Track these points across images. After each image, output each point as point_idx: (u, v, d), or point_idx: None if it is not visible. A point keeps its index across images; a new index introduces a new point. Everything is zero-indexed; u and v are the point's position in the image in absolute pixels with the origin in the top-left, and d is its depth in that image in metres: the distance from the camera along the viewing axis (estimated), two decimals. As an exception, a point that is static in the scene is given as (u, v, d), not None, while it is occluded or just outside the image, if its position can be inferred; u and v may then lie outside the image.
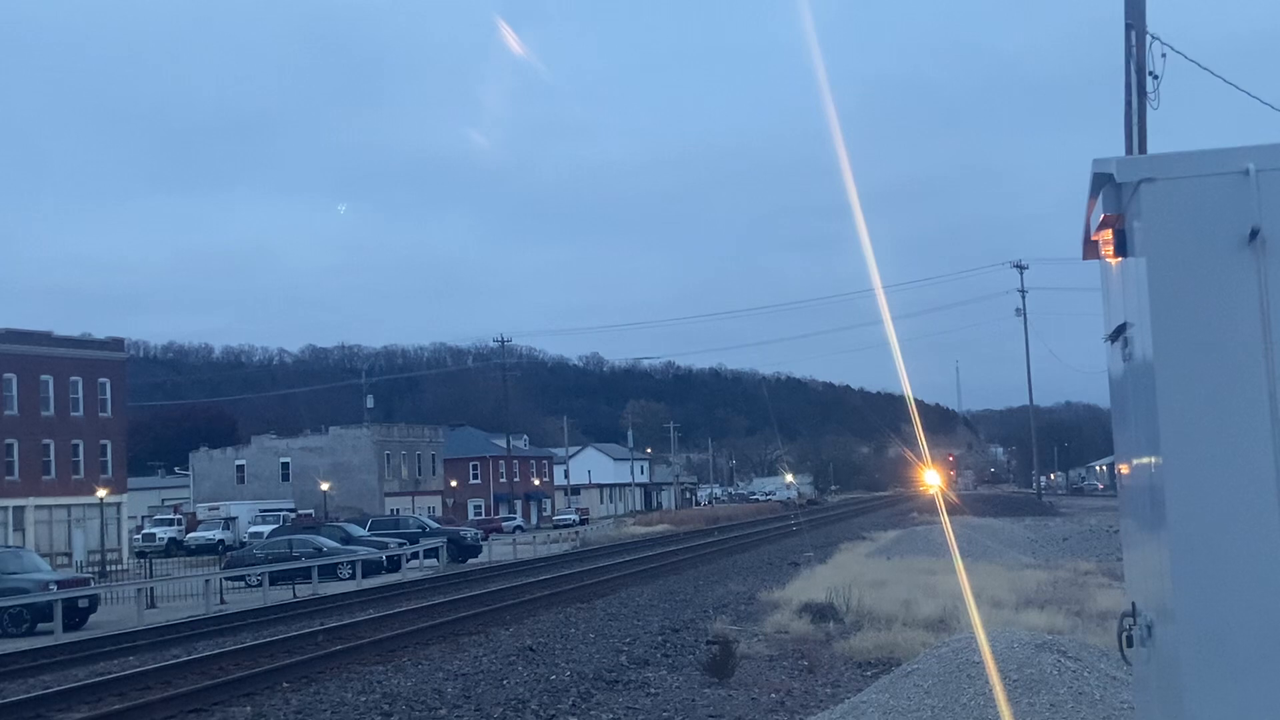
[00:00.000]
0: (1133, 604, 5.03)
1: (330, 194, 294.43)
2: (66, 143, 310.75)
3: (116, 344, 78.24)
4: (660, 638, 22.58)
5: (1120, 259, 4.82)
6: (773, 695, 15.88)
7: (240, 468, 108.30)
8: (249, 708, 17.19)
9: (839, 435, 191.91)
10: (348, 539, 52.18)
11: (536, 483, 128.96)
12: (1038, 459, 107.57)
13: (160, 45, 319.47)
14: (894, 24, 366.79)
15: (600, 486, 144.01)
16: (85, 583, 36.80)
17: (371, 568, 46.29)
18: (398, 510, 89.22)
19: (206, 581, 38.34)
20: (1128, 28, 17.28)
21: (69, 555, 65.30)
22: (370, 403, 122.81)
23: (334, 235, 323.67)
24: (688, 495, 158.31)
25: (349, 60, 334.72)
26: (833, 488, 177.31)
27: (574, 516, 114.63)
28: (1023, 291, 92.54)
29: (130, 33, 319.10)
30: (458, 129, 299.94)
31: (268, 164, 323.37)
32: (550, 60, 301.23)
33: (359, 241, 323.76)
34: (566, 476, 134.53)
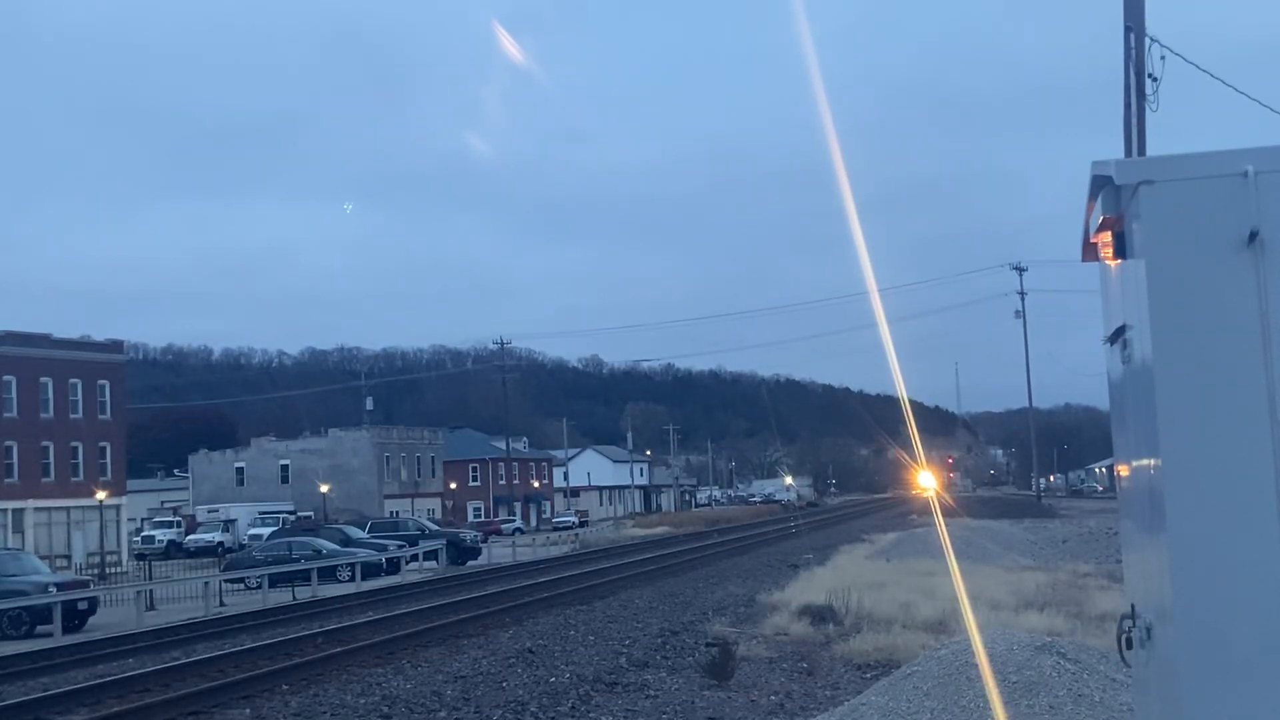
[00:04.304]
0: (1132, 606, 5.03)
1: (335, 198, 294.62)
2: (79, 146, 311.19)
3: (116, 346, 78.24)
4: (660, 640, 22.58)
5: (1119, 261, 4.82)
6: (772, 697, 15.88)
7: (239, 470, 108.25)
8: (248, 710, 17.18)
9: (838, 437, 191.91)
10: (347, 541, 52.14)
11: (536, 485, 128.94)
12: (1037, 461, 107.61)
13: (168, 50, 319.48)
14: (897, 27, 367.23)
15: (600, 489, 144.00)
16: (84, 585, 36.78)
17: (371, 570, 46.24)
18: (397, 512, 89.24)
19: (206, 584, 38.30)
20: (1127, 30, 17.27)
21: (68, 557, 65.25)
22: (369, 405, 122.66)
23: (336, 238, 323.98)
24: (687, 497, 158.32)
25: (359, 66, 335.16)
26: (832, 490, 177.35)
27: (573, 518, 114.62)
28: (1022, 294, 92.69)
29: (138, 36, 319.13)
30: (462, 134, 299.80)
31: (273, 168, 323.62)
32: (553, 66, 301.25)
33: (360, 244, 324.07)
34: (566, 479, 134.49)
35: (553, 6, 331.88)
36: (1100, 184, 4.76)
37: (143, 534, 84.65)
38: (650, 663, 19.74)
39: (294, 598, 38.06)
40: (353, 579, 43.13)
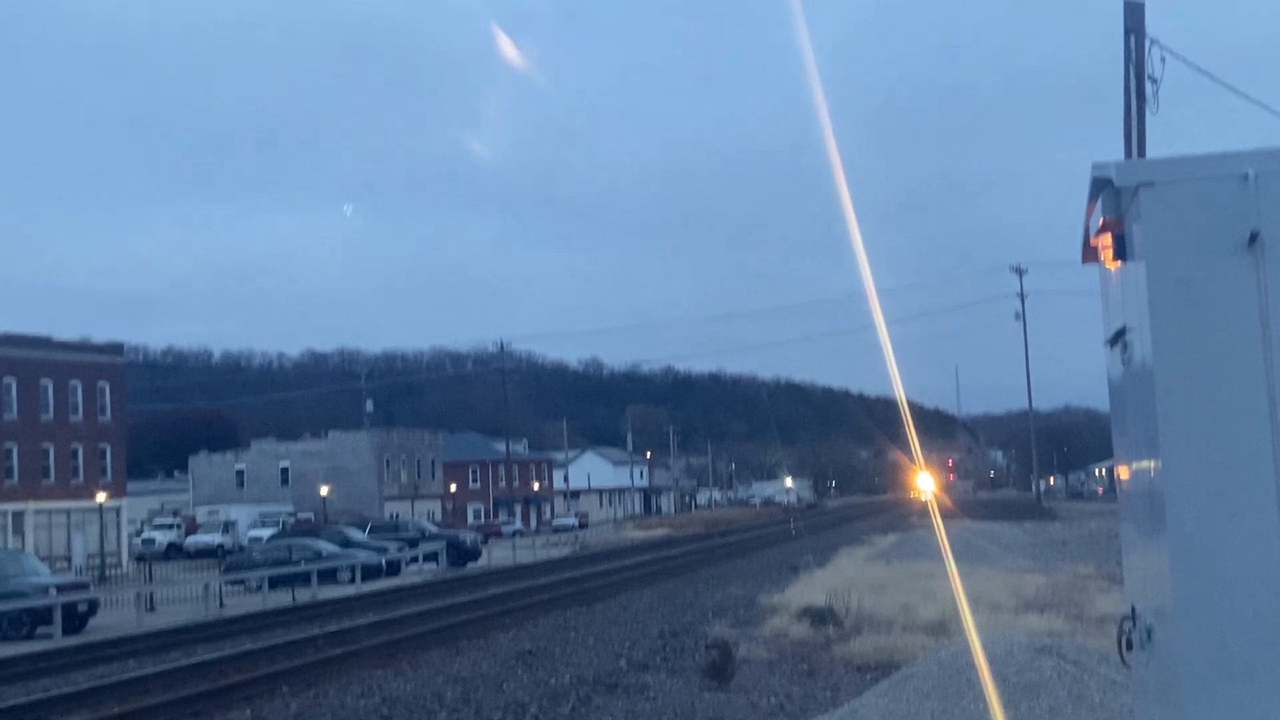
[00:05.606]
0: (1132, 607, 5.04)
1: (335, 200, 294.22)
2: (79, 148, 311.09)
3: (116, 348, 78.25)
4: (660, 642, 22.57)
5: (1120, 263, 4.82)
6: (772, 699, 15.87)
7: (240, 472, 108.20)
8: (248, 712, 17.19)
9: (838, 440, 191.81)
10: (347, 543, 52.16)
11: (536, 487, 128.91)
12: (1037, 463, 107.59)
13: (169, 54, 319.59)
14: (897, 28, 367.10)
15: (600, 491, 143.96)
16: (84, 587, 36.83)
17: (371, 572, 46.26)
18: (397, 514, 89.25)
19: (206, 585, 38.32)
20: (1127, 32, 17.28)
21: (68, 559, 65.12)
22: (370, 407, 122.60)
23: (336, 240, 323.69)
24: (687, 499, 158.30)
25: (359, 69, 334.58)
26: (832, 492, 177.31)
27: (573, 520, 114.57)
28: (1022, 296, 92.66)
29: (140, 41, 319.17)
30: (463, 135, 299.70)
31: (273, 171, 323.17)
32: (554, 67, 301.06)
33: (360, 246, 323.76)
34: (566, 481, 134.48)
35: (553, 9, 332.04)
36: (1100, 186, 4.77)
37: (143, 536, 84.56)
38: (650, 665, 19.73)
39: (294, 599, 38.06)
40: (353, 581, 43.13)
